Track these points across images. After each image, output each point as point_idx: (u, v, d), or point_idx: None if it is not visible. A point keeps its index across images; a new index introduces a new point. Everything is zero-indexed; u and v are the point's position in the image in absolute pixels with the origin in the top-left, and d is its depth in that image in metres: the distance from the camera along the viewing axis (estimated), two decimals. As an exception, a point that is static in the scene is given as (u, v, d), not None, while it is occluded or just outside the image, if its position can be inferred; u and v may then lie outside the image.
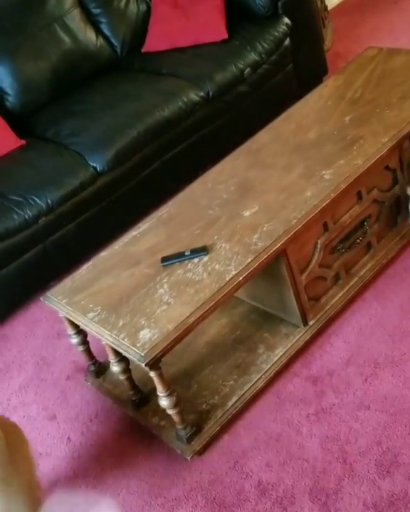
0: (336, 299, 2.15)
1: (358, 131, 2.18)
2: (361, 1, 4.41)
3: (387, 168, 2.17)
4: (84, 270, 1.98)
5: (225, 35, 3.03)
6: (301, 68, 3.19)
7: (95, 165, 2.57)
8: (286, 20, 3.05)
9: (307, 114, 2.38)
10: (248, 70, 2.91)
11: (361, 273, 2.21)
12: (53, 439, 2.06)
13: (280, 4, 3.04)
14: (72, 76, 3.08)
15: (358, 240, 2.15)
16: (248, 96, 2.98)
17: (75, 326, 1.97)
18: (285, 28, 3.04)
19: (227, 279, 1.78)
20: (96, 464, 1.94)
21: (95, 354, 2.13)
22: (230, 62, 2.89)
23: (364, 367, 1.97)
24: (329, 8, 4.26)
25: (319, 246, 2.03)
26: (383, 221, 2.24)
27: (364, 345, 2.03)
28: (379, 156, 2.05)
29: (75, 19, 3.10)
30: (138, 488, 1.84)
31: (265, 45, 2.98)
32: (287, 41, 3.07)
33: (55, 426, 2.10)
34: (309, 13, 3.21)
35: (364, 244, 2.20)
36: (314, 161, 2.10)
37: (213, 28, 3.06)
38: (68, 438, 2.05)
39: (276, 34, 3.02)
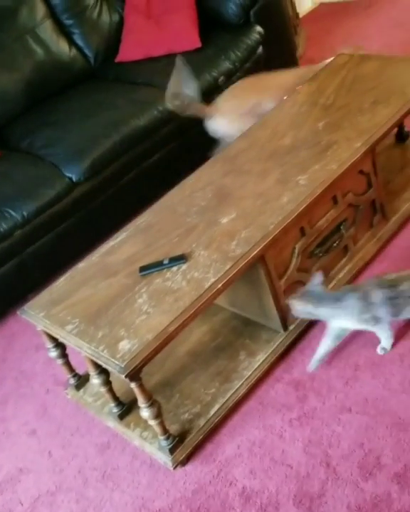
0: (315, 303, 2.15)
1: (332, 137, 2.19)
2: (332, 8, 4.46)
3: (361, 172, 2.19)
4: (61, 282, 1.96)
5: (199, 44, 3.05)
6: (275, 75, 3.21)
7: (70, 175, 2.56)
8: (258, 28, 3.07)
9: (282, 120, 2.40)
10: (222, 78, 2.92)
11: (340, 276, 2.22)
12: (33, 454, 2.03)
13: (252, 13, 3.07)
14: (46, 87, 3.08)
15: (335, 244, 2.16)
16: (222, 104, 2.99)
17: (54, 339, 1.95)
18: (257, 36, 3.06)
19: (206, 286, 1.77)
20: (78, 478, 1.92)
21: (74, 367, 2.11)
22: (204, 70, 2.91)
23: (345, 370, 1.97)
24: (301, 15, 4.30)
25: (297, 251, 2.03)
26: (359, 224, 2.25)
27: (344, 347, 2.04)
28: (352, 161, 2.07)
29: (47, 30, 3.10)
30: (121, 501, 1.82)
31: (239, 54, 3.00)
32: (260, 49, 3.09)
33: (35, 441, 2.07)
34: (281, 21, 3.25)
35: (341, 247, 2.21)
36: (290, 167, 2.12)
37: (186, 37, 3.07)
38: (49, 452, 2.03)
39: (249, 42, 3.04)
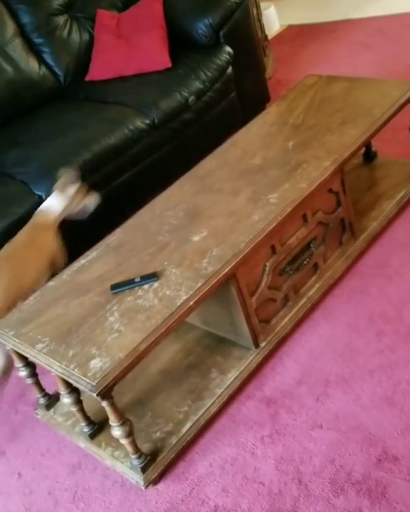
0: (286, 320, 2.17)
1: (301, 156, 2.23)
2: (300, 30, 4.55)
3: (330, 191, 2.23)
4: (31, 301, 1.95)
5: (169, 64, 3.08)
6: (244, 96, 3.26)
7: (40, 194, 2.55)
8: (228, 49, 3.12)
9: (252, 140, 2.43)
10: (192, 97, 2.95)
11: (310, 294, 2.25)
12: (3, 476, 2.00)
13: (221, 34, 3.11)
14: (16, 106, 3.07)
15: (305, 262, 2.19)
16: (193, 123, 3.02)
17: (24, 359, 1.93)
18: (227, 56, 3.11)
19: (178, 304, 1.78)
20: (49, 499, 1.89)
21: (44, 386, 2.09)
22: (174, 90, 2.94)
23: (316, 386, 1.99)
24: (270, 37, 4.38)
25: (267, 268, 2.05)
26: (328, 242, 2.29)
27: (315, 364, 2.06)
28: (322, 180, 2.11)
29: (16, 49, 3.10)
30: (93, 521, 1.80)
31: (209, 74, 3.04)
32: (229, 69, 3.13)
33: (4, 462, 2.04)
34: (251, 42, 3.30)
35: (311, 265, 2.24)
36: (260, 186, 2.14)
37: (156, 56, 3.10)
38: (19, 474, 1.99)
39: (219, 62, 3.08)
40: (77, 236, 2.66)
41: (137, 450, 1.80)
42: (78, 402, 1.91)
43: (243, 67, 3.21)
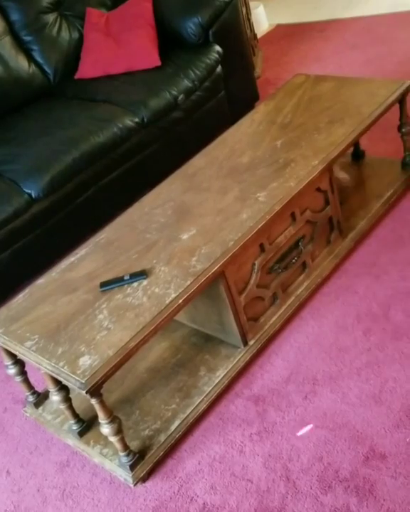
0: (274, 318, 2.18)
1: (289, 155, 2.24)
2: (289, 29, 4.57)
3: (319, 189, 2.24)
4: (20, 298, 1.94)
5: (158, 63, 3.08)
6: (233, 95, 3.27)
7: (29, 191, 2.54)
8: (217, 48, 3.12)
9: (240, 138, 2.44)
10: (181, 96, 2.96)
11: (298, 292, 2.26)
12: (-9, 474, 2.00)
13: (210, 33, 3.11)
14: (4, 103, 3.06)
15: (293, 260, 2.20)
16: (182, 122, 3.02)
17: (12, 356, 1.93)
18: (216, 55, 3.11)
19: (167, 302, 1.78)
20: (37, 497, 1.89)
21: (33, 384, 2.08)
22: (163, 88, 2.93)
23: (304, 384, 2.00)
24: (259, 36, 4.39)
25: (256, 267, 2.06)
26: (316, 241, 2.30)
27: (303, 362, 2.07)
28: (310, 179, 2.12)
29: (5, 47, 3.09)
30: (81, 519, 1.80)
31: (198, 72, 3.04)
32: (218, 68, 3.14)
33: (-7, 460, 2.04)
34: (240, 41, 3.30)
35: (299, 263, 2.25)
36: (249, 184, 2.15)
37: (145, 55, 3.10)
38: (7, 471, 1.99)
39: (208, 61, 3.08)
40: (58, 238, 2.67)
41: (125, 448, 1.80)
42: (67, 399, 1.91)
43: (232, 66, 3.21)
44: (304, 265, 2.28)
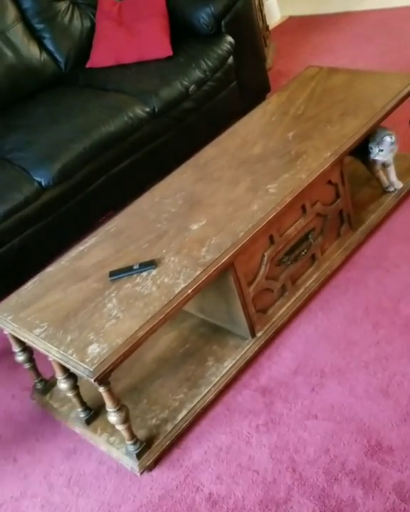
0: (283, 310, 2.18)
1: (301, 147, 2.23)
2: (301, 21, 4.54)
3: (329, 182, 2.23)
4: (30, 286, 1.95)
5: (170, 52, 3.07)
6: (244, 85, 3.25)
7: (39, 180, 2.54)
8: (229, 38, 3.11)
9: (252, 129, 2.43)
10: (192, 86, 2.94)
11: (307, 284, 2.26)
12: (-2, 460, 2.01)
13: (223, 23, 3.10)
14: (15, 91, 3.05)
15: (303, 252, 2.19)
16: (193, 112, 3.01)
17: (21, 343, 1.93)
18: (228, 46, 3.09)
19: (176, 292, 1.78)
20: (44, 484, 1.90)
21: (41, 372, 2.09)
22: (175, 78, 2.92)
23: (311, 376, 2.00)
24: (271, 27, 4.36)
25: (265, 258, 2.06)
26: (326, 234, 2.29)
27: (311, 355, 2.07)
28: (321, 171, 2.11)
29: (17, 34, 3.08)
30: (87, 506, 1.81)
31: (210, 63, 3.03)
32: (230, 59, 3.12)
33: (0, 446, 2.05)
34: (252, 32, 3.29)
35: (308, 256, 2.24)
36: (260, 175, 2.14)
37: (157, 45, 3.09)
38: (14, 458, 2.00)
39: (220, 52, 3.07)
40: (68, 226, 2.67)
41: (132, 436, 1.80)
42: (75, 387, 1.92)
43: (243, 57, 3.20)
44: (313, 258, 2.28)
